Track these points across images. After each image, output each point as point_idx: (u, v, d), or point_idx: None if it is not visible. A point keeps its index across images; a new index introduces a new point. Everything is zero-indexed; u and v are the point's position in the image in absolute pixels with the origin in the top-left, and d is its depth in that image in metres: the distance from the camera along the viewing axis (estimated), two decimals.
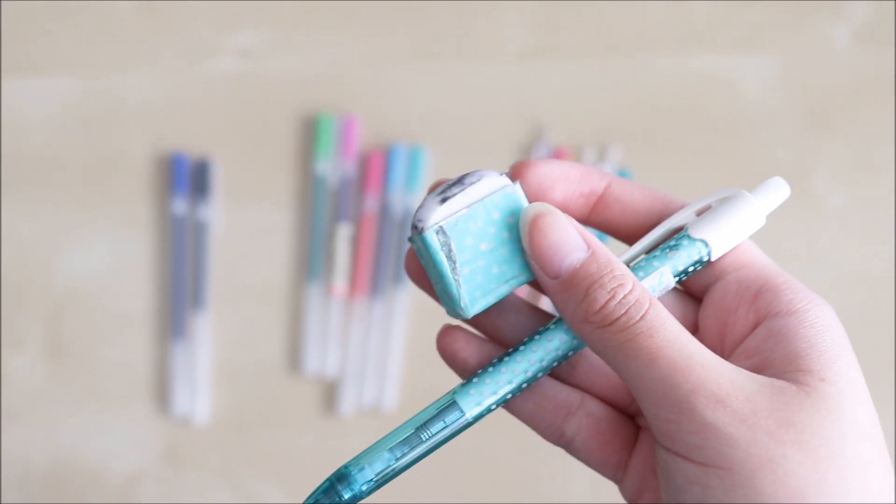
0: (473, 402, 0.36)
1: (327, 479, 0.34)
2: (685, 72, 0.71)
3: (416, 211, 0.34)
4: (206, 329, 0.68)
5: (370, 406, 0.67)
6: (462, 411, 0.36)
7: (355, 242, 0.69)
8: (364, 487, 0.34)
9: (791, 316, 0.33)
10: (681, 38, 0.71)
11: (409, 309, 0.69)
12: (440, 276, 0.34)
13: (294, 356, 0.69)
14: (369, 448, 0.35)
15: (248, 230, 0.70)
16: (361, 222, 0.69)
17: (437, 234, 0.33)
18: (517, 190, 0.34)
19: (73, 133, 0.72)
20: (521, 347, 0.35)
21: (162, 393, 0.68)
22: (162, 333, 0.69)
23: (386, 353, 0.68)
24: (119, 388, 0.68)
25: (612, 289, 0.31)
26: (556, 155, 0.69)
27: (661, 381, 0.30)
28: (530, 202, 0.34)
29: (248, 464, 0.67)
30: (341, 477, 0.34)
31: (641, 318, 0.31)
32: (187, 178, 0.70)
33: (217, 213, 0.70)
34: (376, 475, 0.35)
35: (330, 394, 0.68)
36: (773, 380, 0.30)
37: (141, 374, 0.69)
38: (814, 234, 0.69)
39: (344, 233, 0.69)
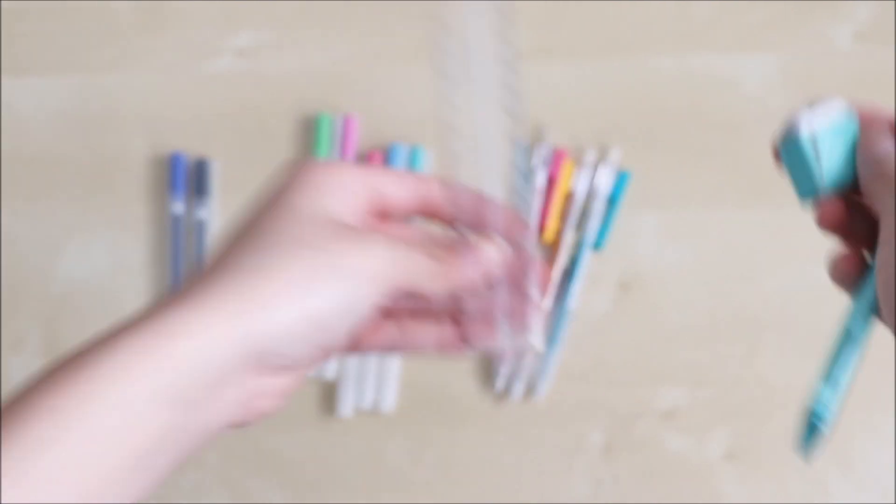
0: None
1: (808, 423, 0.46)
2: (686, 72, 0.71)
3: (798, 120, 0.48)
4: None
5: (369, 407, 0.67)
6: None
7: None
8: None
9: None
10: (681, 38, 0.71)
11: None
12: (807, 167, 0.49)
13: None
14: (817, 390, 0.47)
15: None
16: None
17: (809, 140, 0.48)
18: (853, 117, 0.47)
19: (72, 133, 0.71)
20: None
21: None
22: None
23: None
24: None
25: None
26: (556, 156, 0.69)
27: None
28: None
29: (247, 464, 0.67)
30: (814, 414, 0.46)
31: None
32: (186, 178, 0.70)
33: (215, 213, 0.70)
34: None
35: (329, 394, 0.68)
36: None
37: None
38: (815, 234, 0.69)
39: None
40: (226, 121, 0.71)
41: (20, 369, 0.69)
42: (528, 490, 0.66)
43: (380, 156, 0.70)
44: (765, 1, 0.71)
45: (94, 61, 0.72)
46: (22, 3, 0.73)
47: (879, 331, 0.68)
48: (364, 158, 0.70)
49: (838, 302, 0.67)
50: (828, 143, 0.49)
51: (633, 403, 0.67)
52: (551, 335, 0.67)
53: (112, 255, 0.70)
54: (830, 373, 0.53)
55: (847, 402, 0.66)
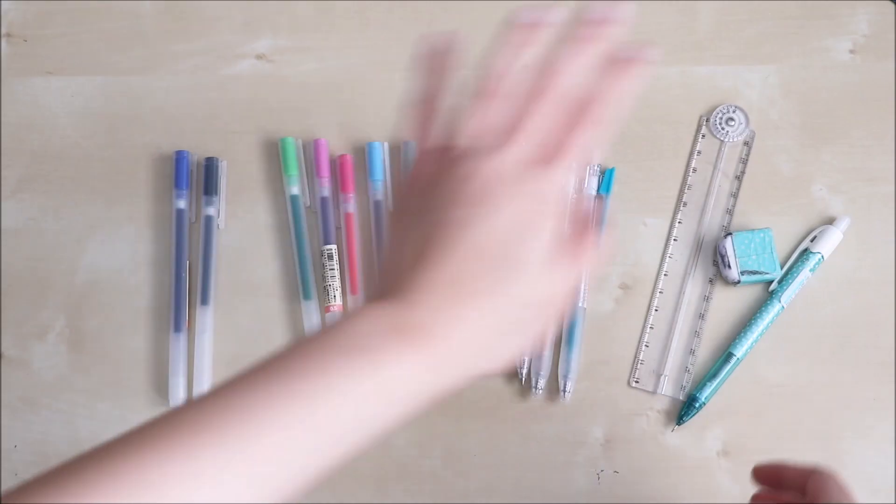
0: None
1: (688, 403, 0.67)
2: (687, 83, 0.71)
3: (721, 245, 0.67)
4: (209, 322, 0.69)
5: None
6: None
7: (352, 241, 0.70)
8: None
9: None
10: (683, 50, 0.71)
11: None
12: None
13: None
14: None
15: (252, 228, 0.71)
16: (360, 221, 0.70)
17: (742, 274, 0.68)
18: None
19: (97, 131, 0.72)
20: None
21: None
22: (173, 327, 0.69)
23: None
24: (136, 378, 0.69)
25: None
26: None
27: None
28: None
29: None
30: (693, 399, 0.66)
31: None
32: (188, 175, 0.70)
33: (223, 211, 0.70)
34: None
35: None
36: None
37: (154, 365, 0.69)
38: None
39: (331, 252, 0.69)
40: (241, 122, 0.72)
41: (46, 356, 0.69)
42: (531, 480, 0.67)
43: (360, 157, 0.70)
44: (766, 14, 0.71)
45: (121, 63, 0.73)
46: (53, 5, 0.74)
47: (876, 339, 0.68)
48: (341, 161, 0.70)
49: (834, 310, 0.67)
50: (745, 245, 0.67)
51: (634, 400, 0.68)
52: (568, 336, 0.68)
53: (133, 250, 0.70)
54: (716, 374, 0.66)
55: (840, 405, 0.66)
